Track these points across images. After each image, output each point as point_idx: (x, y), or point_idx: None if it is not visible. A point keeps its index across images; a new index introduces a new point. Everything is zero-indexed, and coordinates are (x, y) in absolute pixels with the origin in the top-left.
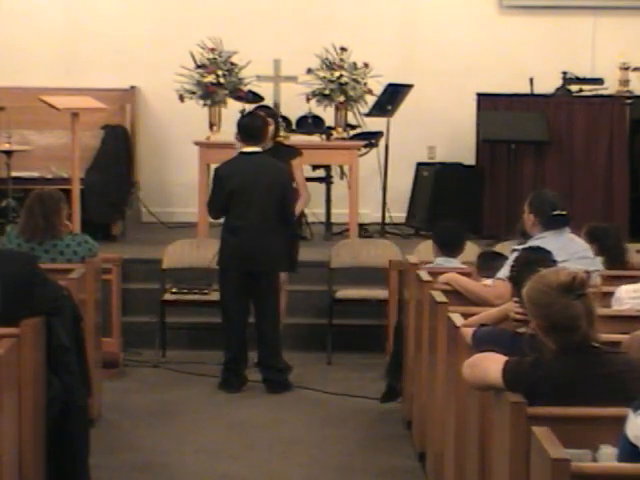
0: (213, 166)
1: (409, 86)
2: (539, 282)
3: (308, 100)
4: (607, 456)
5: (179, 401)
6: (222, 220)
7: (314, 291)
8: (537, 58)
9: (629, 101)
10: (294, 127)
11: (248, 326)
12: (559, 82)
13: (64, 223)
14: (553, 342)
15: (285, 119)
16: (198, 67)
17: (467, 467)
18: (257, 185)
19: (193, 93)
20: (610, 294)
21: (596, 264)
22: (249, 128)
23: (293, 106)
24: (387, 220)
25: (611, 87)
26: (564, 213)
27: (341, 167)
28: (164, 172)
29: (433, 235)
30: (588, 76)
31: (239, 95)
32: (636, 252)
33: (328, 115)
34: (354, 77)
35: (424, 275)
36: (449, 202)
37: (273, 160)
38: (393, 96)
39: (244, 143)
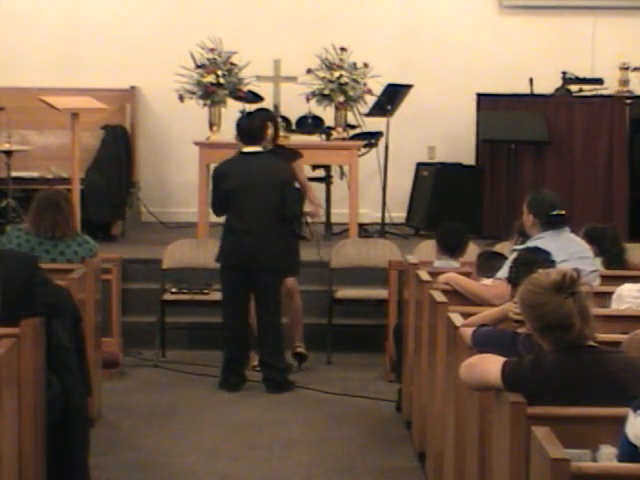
0: (213, 166)
1: (409, 86)
2: (530, 284)
3: (308, 100)
4: (607, 456)
5: (179, 401)
6: (223, 219)
7: (314, 291)
8: (537, 58)
9: (629, 101)
10: (294, 127)
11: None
12: (559, 82)
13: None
14: (549, 343)
15: (285, 119)
16: (198, 67)
17: (467, 467)
18: (255, 185)
19: (193, 93)
20: (609, 294)
21: (595, 264)
22: (247, 129)
23: (293, 106)
24: (387, 220)
25: (611, 87)
26: (563, 213)
27: (341, 167)
28: (164, 172)
29: (436, 237)
30: (588, 76)
31: (239, 95)
32: None
33: (328, 115)
34: (354, 77)
35: (424, 275)
36: (449, 202)
37: (273, 159)
38: (393, 96)
39: (243, 144)
